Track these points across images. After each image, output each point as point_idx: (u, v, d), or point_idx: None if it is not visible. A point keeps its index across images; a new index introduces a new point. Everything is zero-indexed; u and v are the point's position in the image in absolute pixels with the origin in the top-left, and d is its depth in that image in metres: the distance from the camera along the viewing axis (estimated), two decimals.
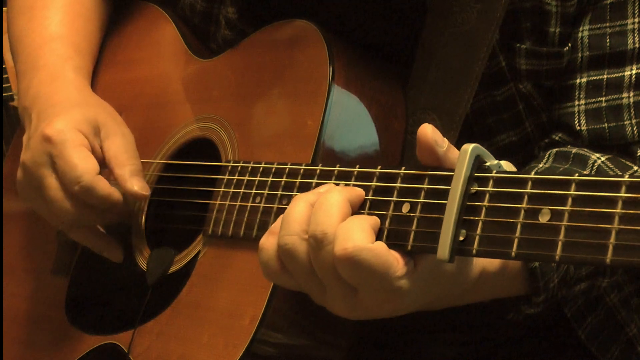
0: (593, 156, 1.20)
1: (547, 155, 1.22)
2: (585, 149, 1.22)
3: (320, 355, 1.20)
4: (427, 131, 1.00)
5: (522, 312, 1.18)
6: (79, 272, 1.44)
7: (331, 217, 1.00)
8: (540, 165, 1.20)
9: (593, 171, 1.18)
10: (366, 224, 1.00)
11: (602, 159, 1.20)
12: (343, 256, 0.98)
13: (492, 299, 1.15)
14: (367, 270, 0.98)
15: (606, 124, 1.22)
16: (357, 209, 1.04)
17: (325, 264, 1.00)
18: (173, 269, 1.29)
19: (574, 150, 1.22)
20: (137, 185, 1.32)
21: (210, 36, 1.45)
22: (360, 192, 1.05)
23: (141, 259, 1.35)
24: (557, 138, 1.25)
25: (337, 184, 1.08)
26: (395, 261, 0.98)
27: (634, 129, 1.21)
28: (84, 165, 1.30)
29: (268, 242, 1.05)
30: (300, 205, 1.03)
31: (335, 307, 1.05)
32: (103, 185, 1.30)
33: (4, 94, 2.02)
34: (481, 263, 1.06)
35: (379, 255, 0.98)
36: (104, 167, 1.34)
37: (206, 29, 1.45)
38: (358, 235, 0.98)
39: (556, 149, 1.23)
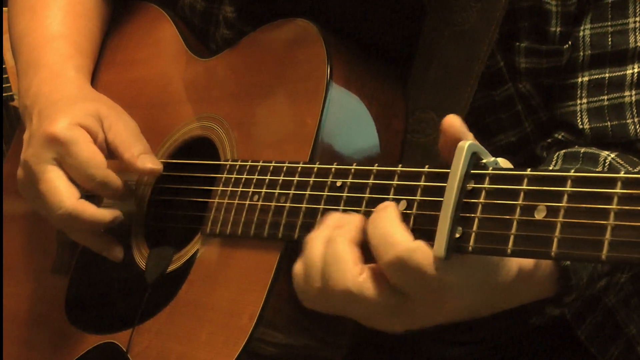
0: (603, 154, 1.20)
1: (555, 157, 1.22)
2: (594, 148, 1.21)
3: (320, 354, 1.20)
4: (455, 121, 0.99)
5: (547, 314, 1.16)
6: (79, 271, 1.44)
7: (345, 272, 1.01)
8: (551, 168, 1.19)
9: (605, 168, 1.18)
10: (397, 220, 1.00)
11: (612, 155, 1.20)
12: (397, 258, 0.97)
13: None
14: (417, 269, 0.97)
15: (609, 123, 1.22)
16: (363, 237, 1.02)
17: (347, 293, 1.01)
18: (172, 267, 1.28)
19: (582, 149, 1.21)
20: (149, 162, 1.32)
21: (210, 36, 1.45)
22: (357, 223, 1.03)
23: (140, 257, 1.35)
24: (560, 137, 1.25)
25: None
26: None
27: (637, 127, 1.21)
28: (93, 161, 1.30)
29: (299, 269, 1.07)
30: (317, 248, 1.04)
31: (387, 323, 1.04)
32: (114, 178, 1.32)
33: (4, 94, 2.02)
34: (518, 262, 1.04)
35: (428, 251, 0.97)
36: (111, 157, 1.34)
37: (206, 29, 1.45)
38: (399, 238, 0.98)
39: (564, 150, 1.22)
